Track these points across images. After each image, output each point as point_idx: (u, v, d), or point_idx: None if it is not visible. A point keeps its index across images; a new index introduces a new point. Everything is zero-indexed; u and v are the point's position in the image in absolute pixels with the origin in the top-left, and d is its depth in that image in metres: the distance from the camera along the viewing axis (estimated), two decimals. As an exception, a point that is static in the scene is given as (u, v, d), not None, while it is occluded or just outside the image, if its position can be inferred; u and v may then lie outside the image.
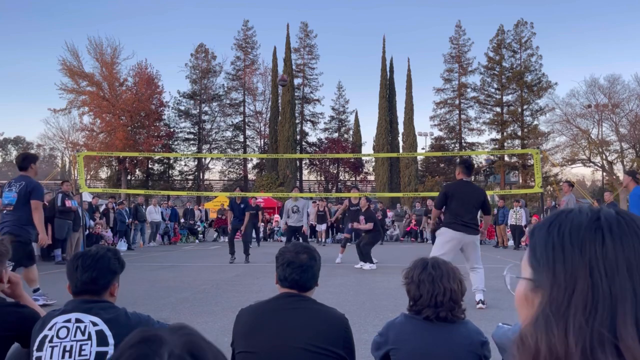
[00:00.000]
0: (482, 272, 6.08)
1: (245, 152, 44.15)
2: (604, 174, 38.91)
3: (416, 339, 1.98)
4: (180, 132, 43.01)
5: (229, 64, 43.80)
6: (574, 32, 63.20)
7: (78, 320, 1.85)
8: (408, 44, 65.25)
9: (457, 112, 42.47)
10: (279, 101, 40.61)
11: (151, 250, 14.94)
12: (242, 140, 44.72)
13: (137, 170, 39.82)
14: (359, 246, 10.32)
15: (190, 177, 43.73)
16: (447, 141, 42.52)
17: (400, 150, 39.94)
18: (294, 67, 41.46)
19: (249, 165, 44.48)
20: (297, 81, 42.43)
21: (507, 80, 40.15)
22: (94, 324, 1.85)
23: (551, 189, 28.34)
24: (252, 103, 44.93)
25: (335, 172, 42.60)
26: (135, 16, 63.30)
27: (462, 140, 42.14)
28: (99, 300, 1.94)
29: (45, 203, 11.82)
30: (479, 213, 6.42)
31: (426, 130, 44.24)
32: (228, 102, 43.70)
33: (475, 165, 41.71)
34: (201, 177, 42.97)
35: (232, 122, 44.36)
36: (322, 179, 43.86)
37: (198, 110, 43.05)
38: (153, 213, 17.12)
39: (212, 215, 22.04)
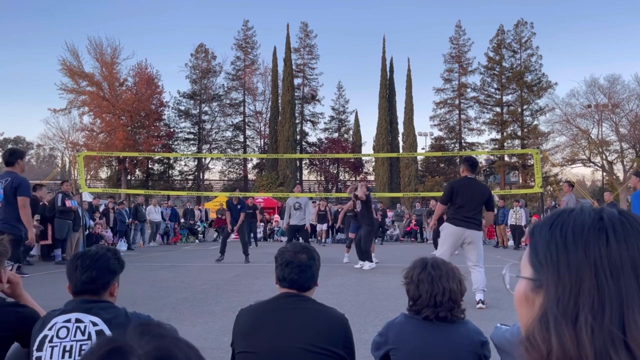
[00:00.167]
0: (483, 271, 6.11)
1: (245, 152, 44.16)
2: (604, 174, 38.91)
3: (416, 339, 1.98)
4: (180, 132, 43.06)
5: (229, 64, 43.91)
6: (574, 32, 63.25)
7: (78, 320, 1.85)
8: (408, 44, 65.35)
9: (457, 112, 42.47)
10: (279, 101, 40.62)
11: (151, 250, 14.94)
12: (242, 140, 44.73)
13: (137, 170, 39.84)
14: (358, 246, 10.23)
15: (190, 177, 43.74)
16: (447, 141, 42.53)
17: (400, 150, 39.95)
18: (294, 67, 41.47)
19: (249, 165, 44.50)
20: (297, 81, 42.45)
21: (507, 80, 40.16)
22: (94, 324, 1.85)
23: (551, 189, 28.34)
24: (252, 103, 45.00)
25: (335, 172, 42.60)
26: (135, 16, 63.37)
27: (462, 140, 42.14)
28: (99, 300, 1.94)
29: (45, 202, 11.85)
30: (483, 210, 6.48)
31: (426, 130, 44.31)
32: (228, 102, 43.72)
33: (476, 165, 41.83)
34: (201, 177, 42.98)
35: (232, 122, 44.40)
36: (322, 179, 43.87)
37: (198, 110, 43.07)
38: (153, 213, 17.13)
39: (212, 215, 22.03)
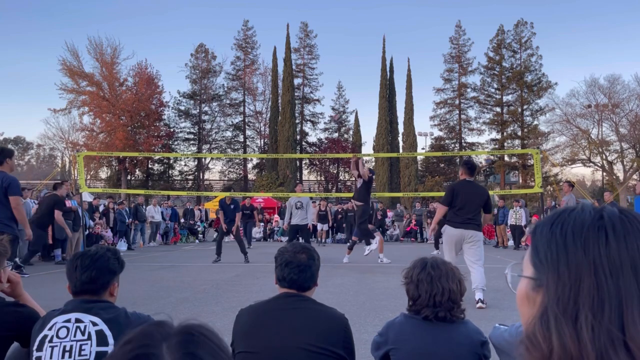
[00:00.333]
0: (482, 270, 6.20)
1: (245, 152, 44.17)
2: (604, 174, 38.90)
3: (416, 338, 1.98)
4: (180, 132, 43.07)
5: (229, 64, 43.93)
6: (574, 32, 63.26)
7: (78, 320, 1.85)
8: (408, 44, 65.34)
9: (457, 112, 42.48)
10: (279, 101, 40.62)
11: (151, 250, 14.95)
12: (242, 140, 44.74)
13: (137, 170, 39.85)
14: (359, 229, 10.26)
15: (190, 177, 43.74)
16: (447, 141, 42.54)
17: (400, 150, 39.96)
18: (294, 67, 41.47)
19: (249, 165, 44.51)
20: (297, 81, 42.45)
21: (507, 80, 40.16)
22: (94, 324, 1.85)
23: (551, 189, 28.33)
24: (252, 103, 45.02)
25: (335, 172, 42.61)
26: (135, 16, 63.38)
27: (462, 140, 42.15)
28: (99, 300, 1.95)
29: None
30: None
31: (426, 130, 44.34)
32: (228, 102, 43.73)
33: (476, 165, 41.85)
34: (201, 177, 42.98)
35: (232, 122, 44.41)
36: (322, 179, 43.88)
37: (198, 110, 43.07)
38: (153, 213, 17.13)
39: (212, 215, 22.03)
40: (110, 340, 1.83)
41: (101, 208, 15.57)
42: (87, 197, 13.72)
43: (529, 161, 36.44)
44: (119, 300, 2.06)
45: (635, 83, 36.41)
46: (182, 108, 42.77)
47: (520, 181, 40.31)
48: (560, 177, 36.11)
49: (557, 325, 0.65)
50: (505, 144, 40.19)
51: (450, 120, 43.06)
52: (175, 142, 42.58)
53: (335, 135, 43.80)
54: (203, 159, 42.46)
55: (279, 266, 2.14)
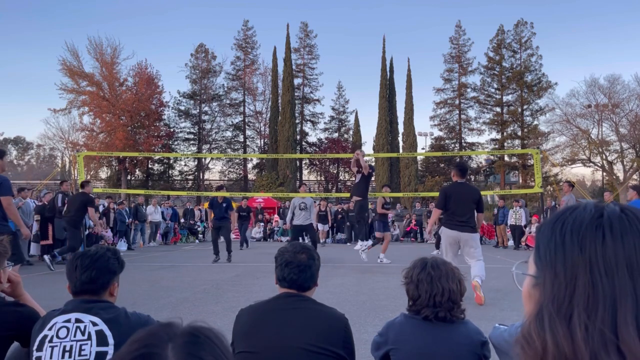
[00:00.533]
0: (483, 264, 6.44)
1: (245, 152, 44.16)
2: (604, 174, 38.89)
3: (416, 339, 1.98)
4: (180, 132, 43.05)
5: (229, 64, 43.90)
6: (574, 32, 63.19)
7: (78, 320, 1.85)
8: (408, 44, 65.30)
9: (457, 112, 42.48)
10: (279, 101, 40.62)
11: (151, 250, 14.95)
12: (242, 140, 44.73)
13: (137, 170, 39.83)
14: (360, 225, 10.34)
15: (190, 177, 43.73)
16: (447, 141, 42.53)
17: (400, 150, 39.96)
18: (294, 67, 41.47)
19: (249, 165, 44.50)
20: (297, 81, 42.45)
21: (507, 80, 40.15)
22: (94, 324, 1.85)
23: (551, 189, 28.33)
24: (252, 103, 45.00)
25: (335, 172, 42.60)
26: (135, 16, 63.33)
27: (462, 140, 42.14)
28: (99, 300, 1.95)
29: (45, 202, 11.86)
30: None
31: (426, 130, 44.36)
32: (228, 102, 43.72)
33: (475, 165, 41.87)
34: (201, 177, 42.97)
35: (232, 122, 44.40)
36: (322, 179, 43.88)
37: (198, 110, 43.06)
38: (153, 213, 17.13)
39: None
40: (110, 340, 1.83)
41: (101, 208, 15.58)
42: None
43: (529, 161, 36.43)
44: (119, 300, 2.06)
45: (635, 83, 36.42)
46: (182, 108, 42.77)
47: (520, 181, 40.29)
48: (560, 177, 36.09)
49: (551, 324, 0.65)
50: (505, 144, 40.18)
51: (450, 120, 43.07)
52: (175, 142, 42.58)
53: (335, 135, 43.80)
54: (203, 159, 42.45)
55: (279, 266, 2.14)
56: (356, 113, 48.85)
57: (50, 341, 1.81)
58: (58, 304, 2.00)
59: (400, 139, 41.11)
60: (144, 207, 17.24)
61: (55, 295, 6.08)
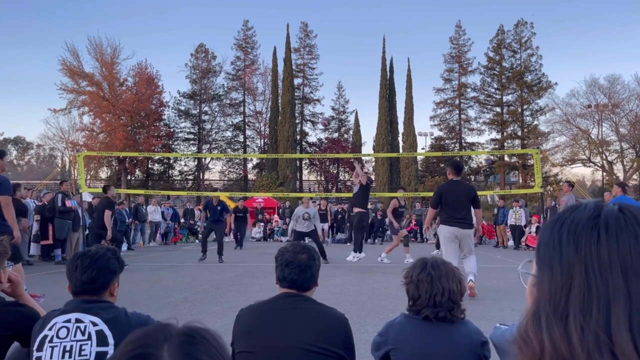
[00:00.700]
0: (475, 258, 6.60)
1: (245, 152, 44.15)
2: (604, 174, 38.90)
3: (416, 339, 1.98)
4: (180, 132, 43.02)
5: (229, 64, 43.84)
6: (574, 32, 63.20)
7: (78, 320, 1.85)
8: (408, 44, 65.31)
9: (457, 112, 42.47)
10: (279, 101, 40.61)
11: (151, 250, 14.94)
12: (242, 140, 44.72)
13: (137, 170, 39.82)
14: (356, 235, 10.39)
15: (190, 177, 43.73)
16: (447, 141, 42.51)
17: (400, 150, 39.95)
18: (294, 67, 41.46)
19: (249, 165, 44.48)
20: (297, 81, 42.44)
21: (507, 80, 40.15)
22: (94, 324, 1.85)
23: (551, 189, 28.32)
24: (252, 103, 44.97)
25: (335, 172, 42.60)
26: (135, 16, 63.33)
27: (462, 140, 42.14)
28: (99, 300, 1.95)
29: (45, 202, 11.86)
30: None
31: (426, 130, 44.28)
32: (228, 102, 43.70)
33: (476, 165, 41.88)
34: (201, 177, 42.96)
35: (232, 122, 44.37)
36: (322, 179, 43.87)
37: (198, 110, 43.05)
38: (153, 213, 17.13)
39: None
40: (110, 340, 1.83)
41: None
42: (87, 197, 13.71)
43: (529, 161, 36.42)
44: (119, 300, 2.06)
45: (635, 83, 36.44)
46: (182, 108, 42.75)
47: (520, 181, 40.29)
48: (560, 177, 36.07)
49: (548, 324, 0.64)
50: (505, 144, 40.17)
51: (450, 120, 43.06)
52: (175, 142, 42.56)
53: (335, 135, 43.79)
54: (203, 159, 42.44)
55: (279, 266, 2.14)
56: (356, 113, 48.84)
57: (51, 341, 1.81)
58: (58, 304, 2.00)
59: (400, 139, 41.10)
60: (144, 207, 17.24)
61: (55, 295, 6.08)
